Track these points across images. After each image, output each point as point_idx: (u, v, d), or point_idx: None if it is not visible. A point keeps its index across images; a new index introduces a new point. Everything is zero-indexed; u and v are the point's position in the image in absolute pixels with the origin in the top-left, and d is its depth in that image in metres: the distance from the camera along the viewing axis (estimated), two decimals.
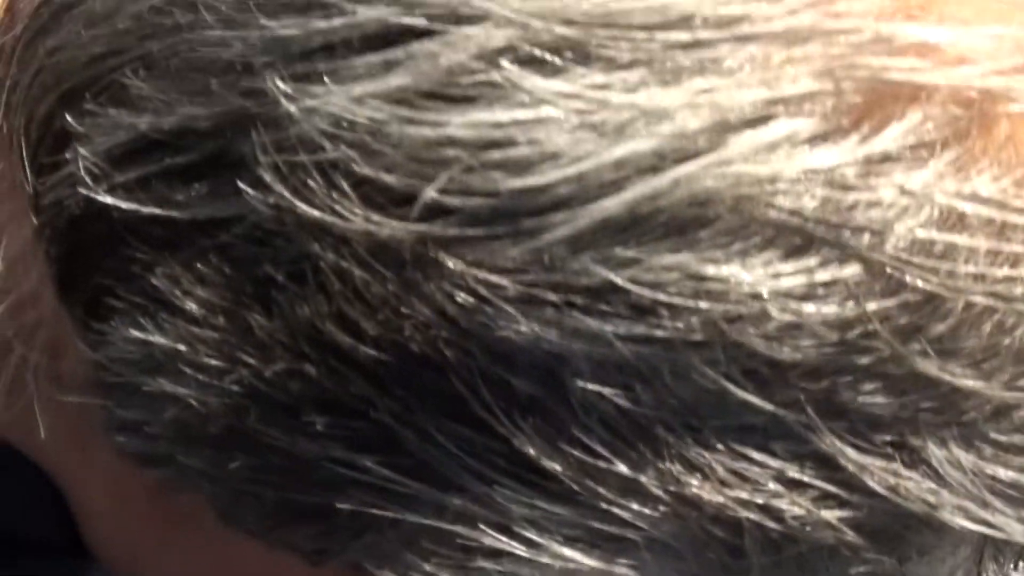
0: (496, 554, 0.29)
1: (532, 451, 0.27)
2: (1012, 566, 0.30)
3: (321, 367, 0.27)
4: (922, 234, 0.26)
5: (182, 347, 0.28)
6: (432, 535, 0.29)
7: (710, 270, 0.26)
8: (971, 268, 0.26)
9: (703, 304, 0.26)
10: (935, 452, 0.27)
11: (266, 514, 0.31)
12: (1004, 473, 0.28)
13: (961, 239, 0.26)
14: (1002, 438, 0.28)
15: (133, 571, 0.38)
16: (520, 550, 0.28)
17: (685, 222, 0.25)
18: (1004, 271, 0.26)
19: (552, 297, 0.26)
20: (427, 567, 0.29)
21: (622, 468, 0.27)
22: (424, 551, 0.30)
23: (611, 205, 0.25)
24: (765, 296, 0.26)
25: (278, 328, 0.27)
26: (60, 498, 0.37)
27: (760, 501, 0.27)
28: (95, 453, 0.33)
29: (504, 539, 0.28)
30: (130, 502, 0.35)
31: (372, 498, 0.28)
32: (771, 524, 0.28)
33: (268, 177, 0.26)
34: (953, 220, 0.26)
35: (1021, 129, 0.27)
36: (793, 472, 0.27)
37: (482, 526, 0.28)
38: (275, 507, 0.30)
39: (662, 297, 0.26)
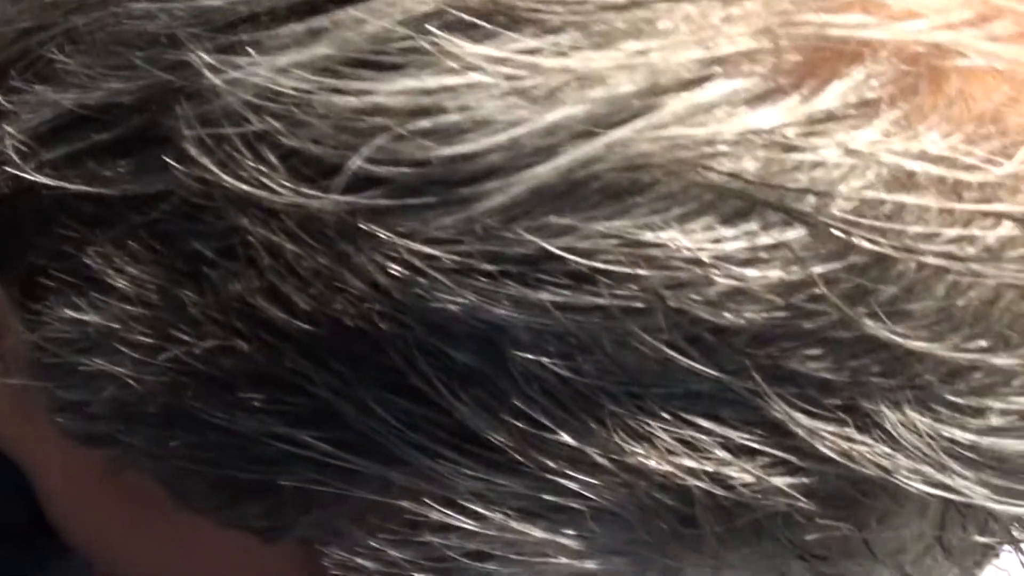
0: (443, 528, 0.28)
1: (473, 423, 0.27)
2: (977, 532, 0.30)
3: (254, 342, 0.27)
4: (869, 194, 0.25)
5: (116, 325, 0.28)
6: (378, 510, 0.29)
7: (648, 236, 0.25)
8: (921, 228, 0.25)
9: (642, 271, 0.25)
10: (888, 416, 0.27)
11: (212, 492, 0.30)
12: (962, 435, 0.27)
13: (910, 199, 0.25)
14: (959, 400, 0.27)
15: (98, 552, 0.38)
16: (466, 523, 0.28)
17: (621, 188, 0.25)
18: (956, 231, 0.26)
19: (487, 267, 0.25)
20: (374, 542, 0.29)
21: (565, 438, 0.27)
22: (371, 526, 0.29)
23: (544, 172, 0.24)
24: (706, 261, 0.25)
25: (210, 304, 0.27)
26: (25, 480, 0.37)
27: (709, 469, 0.27)
28: (45, 431, 0.33)
29: (450, 513, 0.28)
30: (83, 481, 0.35)
31: (315, 474, 0.28)
32: (721, 492, 0.27)
33: (194, 151, 0.26)
34: (902, 179, 0.25)
35: (971, 84, 0.26)
36: (742, 439, 0.27)
37: (427, 500, 0.28)
38: (220, 484, 0.30)
39: (599, 265, 0.25)
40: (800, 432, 0.26)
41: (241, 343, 0.27)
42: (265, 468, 0.28)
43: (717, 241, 0.25)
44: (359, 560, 0.29)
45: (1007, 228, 0.26)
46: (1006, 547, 0.31)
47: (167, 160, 0.26)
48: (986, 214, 0.26)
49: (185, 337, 0.27)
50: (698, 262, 0.25)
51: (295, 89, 0.25)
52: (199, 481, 0.30)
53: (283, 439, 0.28)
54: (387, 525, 0.29)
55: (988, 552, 0.31)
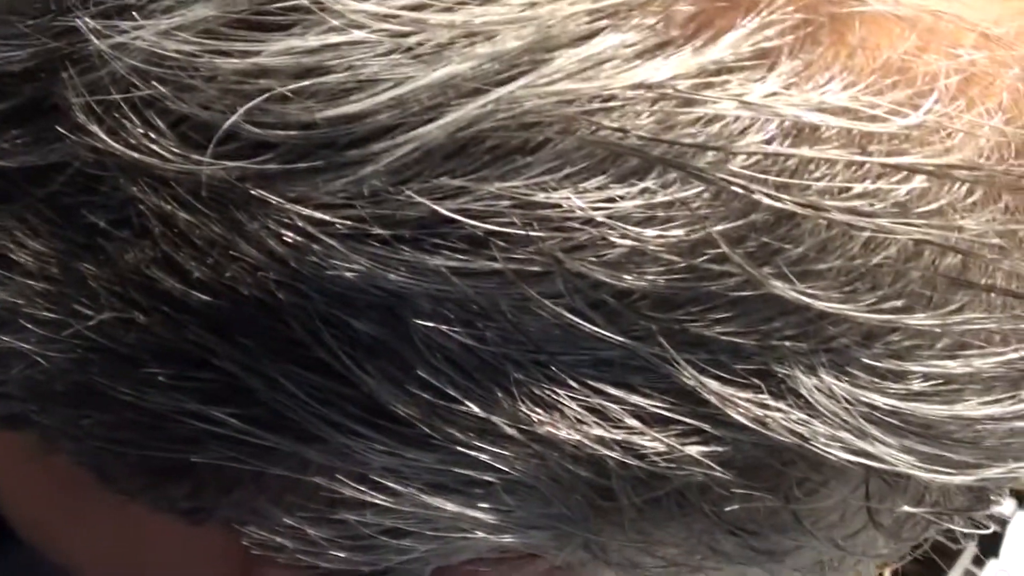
0: (358, 505, 0.28)
1: (381, 396, 0.26)
2: (908, 502, 0.29)
3: (153, 314, 0.26)
4: (770, 149, 0.24)
5: (20, 301, 0.27)
6: (296, 489, 0.28)
7: (541, 196, 0.24)
8: (827, 184, 0.24)
9: (537, 233, 0.24)
10: (803, 381, 0.26)
11: (133, 473, 0.30)
12: (882, 401, 0.26)
13: (813, 153, 0.24)
14: (876, 364, 0.26)
15: (45, 542, 0.38)
16: (381, 500, 0.27)
17: (512, 147, 0.24)
18: (864, 186, 0.25)
19: (380, 232, 0.25)
20: (292, 521, 0.29)
21: (472, 408, 0.26)
22: (289, 505, 0.29)
23: (432, 131, 0.24)
24: (601, 221, 0.24)
25: (108, 277, 0.26)
26: None
27: (619, 438, 0.26)
28: None
29: (364, 489, 0.27)
30: (16, 468, 0.34)
31: (231, 452, 0.27)
32: (634, 462, 0.26)
33: (83, 119, 0.25)
34: (804, 133, 0.24)
35: (875, 34, 0.25)
36: (653, 407, 0.26)
37: (342, 477, 0.27)
38: (140, 465, 0.29)
39: (493, 227, 0.24)
40: (712, 399, 0.26)
41: (140, 315, 0.26)
42: (181, 447, 0.28)
43: (611, 200, 0.24)
44: (279, 539, 0.29)
45: (918, 181, 0.25)
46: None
47: (60, 130, 0.26)
48: (895, 167, 0.25)
49: (87, 311, 0.27)
50: (593, 222, 0.24)
51: (179, 53, 0.24)
52: (119, 462, 0.30)
53: (195, 416, 0.27)
54: (305, 504, 0.28)
55: (929, 524, 0.30)
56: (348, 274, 0.25)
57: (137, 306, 0.26)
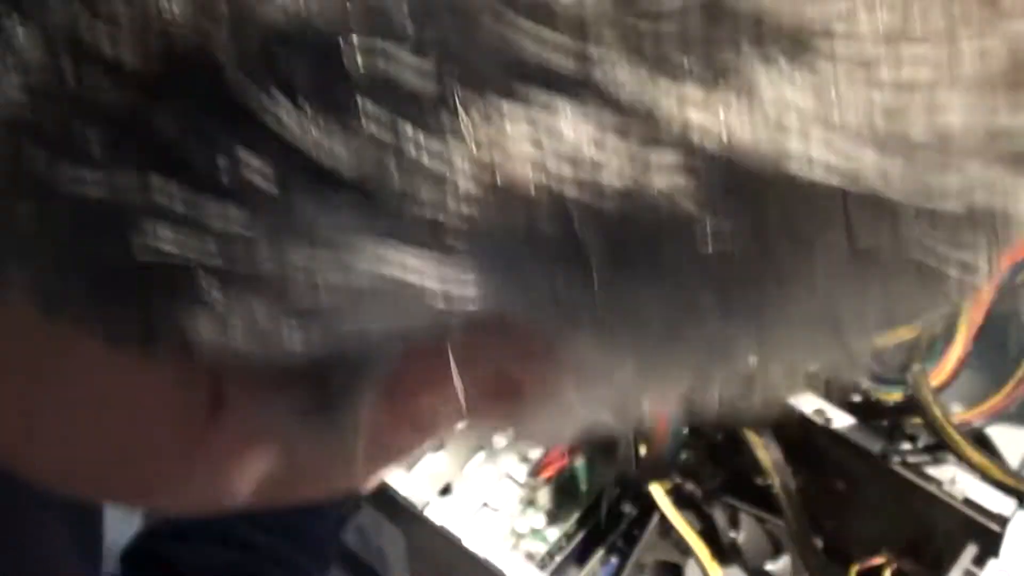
0: (309, 272, 0.26)
1: (322, 145, 0.25)
2: (893, 236, 0.27)
3: (85, 78, 0.25)
4: None
5: None
6: (246, 277, 0.27)
7: None
8: None
9: None
10: (761, 80, 0.24)
11: (79, 293, 0.28)
12: (854, 111, 0.25)
13: None
14: (835, 63, 0.25)
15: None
16: (334, 263, 0.26)
17: None
18: None
19: None
20: (246, 318, 0.27)
21: (421, 147, 0.25)
22: (242, 296, 0.27)
23: None
24: None
25: (32, 35, 0.25)
26: None
27: (578, 177, 0.25)
28: None
29: (313, 252, 0.26)
30: None
31: (172, 231, 0.26)
32: (595, 201, 0.25)
33: None
34: None
35: None
36: (608, 131, 0.25)
37: (288, 244, 0.26)
38: (85, 281, 0.28)
39: None
40: (670, 115, 0.24)
41: (71, 80, 0.25)
42: (120, 234, 0.26)
43: None
44: (237, 343, 0.27)
45: None
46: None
47: None
48: None
49: (13, 81, 0.25)
50: None
51: None
52: (64, 281, 0.28)
53: (134, 192, 0.26)
54: (258, 291, 0.27)
55: (920, 273, 0.28)
56: (280, 12, 0.24)
57: (68, 70, 0.25)
